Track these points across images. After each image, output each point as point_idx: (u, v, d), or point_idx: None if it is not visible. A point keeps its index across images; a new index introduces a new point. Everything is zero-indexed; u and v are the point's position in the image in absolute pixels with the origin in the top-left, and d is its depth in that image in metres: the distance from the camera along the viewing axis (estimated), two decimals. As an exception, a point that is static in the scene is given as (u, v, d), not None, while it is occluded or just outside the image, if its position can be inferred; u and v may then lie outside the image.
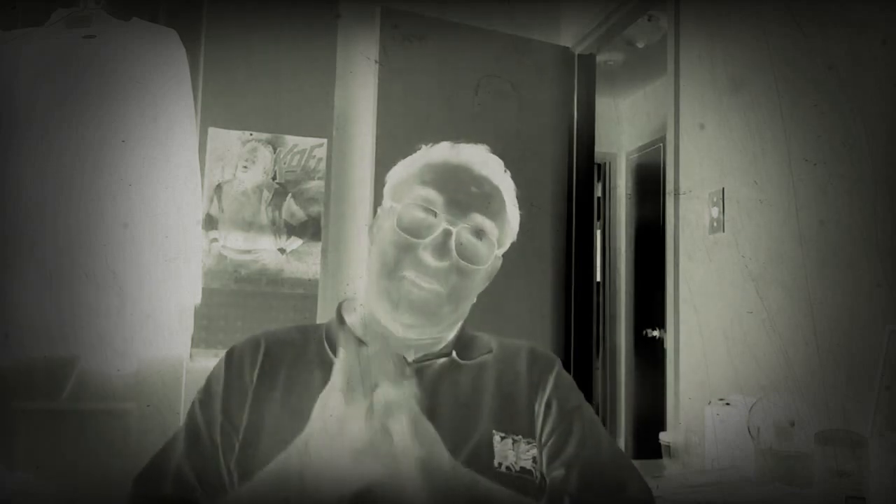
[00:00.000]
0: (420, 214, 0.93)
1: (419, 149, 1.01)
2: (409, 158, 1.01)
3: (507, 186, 1.00)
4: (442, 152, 0.99)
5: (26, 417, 1.92)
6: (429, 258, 0.91)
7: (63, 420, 1.94)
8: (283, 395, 0.91)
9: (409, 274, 0.92)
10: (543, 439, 0.93)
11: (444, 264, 0.91)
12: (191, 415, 0.92)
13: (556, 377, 0.99)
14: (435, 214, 0.93)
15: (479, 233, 0.94)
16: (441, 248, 0.91)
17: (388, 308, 0.94)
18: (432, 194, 0.94)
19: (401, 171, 1.01)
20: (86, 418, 1.97)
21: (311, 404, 0.88)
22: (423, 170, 0.97)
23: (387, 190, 1.01)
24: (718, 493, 1.38)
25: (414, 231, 0.92)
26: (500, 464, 0.88)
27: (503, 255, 1.02)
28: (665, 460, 1.89)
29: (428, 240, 0.92)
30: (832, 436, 1.32)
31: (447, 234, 0.92)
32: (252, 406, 0.90)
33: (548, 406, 0.95)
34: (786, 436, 1.48)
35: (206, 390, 0.93)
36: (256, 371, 0.93)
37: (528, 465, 0.89)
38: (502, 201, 0.98)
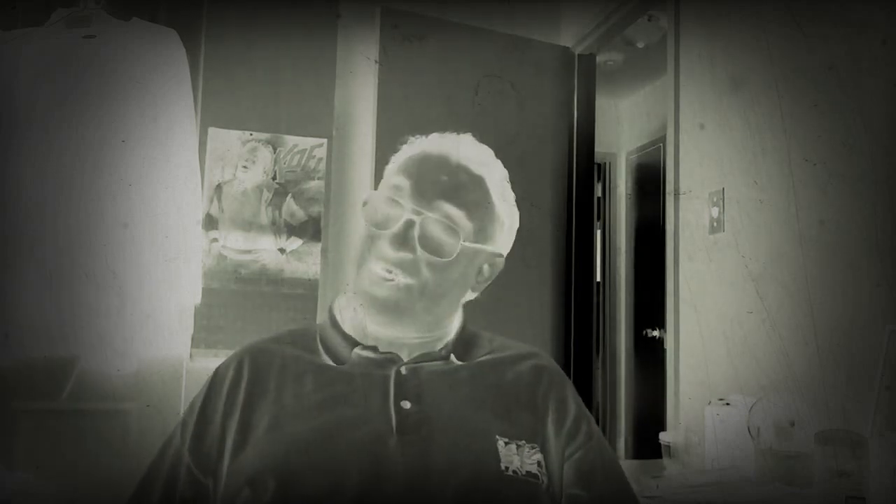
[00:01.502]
0: (386, 206, 0.90)
1: (406, 142, 0.99)
2: (398, 152, 0.99)
3: (492, 178, 0.95)
4: (423, 143, 0.96)
5: (26, 417, 1.92)
6: (387, 249, 0.88)
7: (63, 420, 1.94)
8: (273, 403, 0.88)
9: (374, 266, 0.89)
10: (567, 454, 0.91)
11: (405, 255, 0.88)
12: (167, 442, 0.91)
13: (574, 394, 0.97)
14: (401, 208, 0.89)
15: (447, 224, 0.90)
16: (401, 238, 0.88)
17: (361, 306, 0.92)
18: (401, 181, 0.91)
19: (388, 167, 0.99)
20: (86, 418, 1.97)
21: (302, 409, 0.87)
22: (403, 162, 0.95)
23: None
24: (718, 493, 1.38)
25: (380, 222, 0.90)
26: (506, 467, 0.85)
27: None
28: (665, 460, 1.89)
29: (389, 231, 0.89)
30: (832, 436, 1.32)
31: (409, 224, 0.89)
32: (241, 423, 0.87)
33: (576, 427, 0.93)
34: (786, 436, 1.48)
35: (183, 423, 0.91)
36: (242, 395, 0.89)
37: (534, 469, 0.87)
38: (483, 192, 0.94)
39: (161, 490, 0.87)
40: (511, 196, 0.98)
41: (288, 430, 0.85)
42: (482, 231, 0.94)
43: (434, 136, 0.97)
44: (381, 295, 0.89)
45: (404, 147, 0.98)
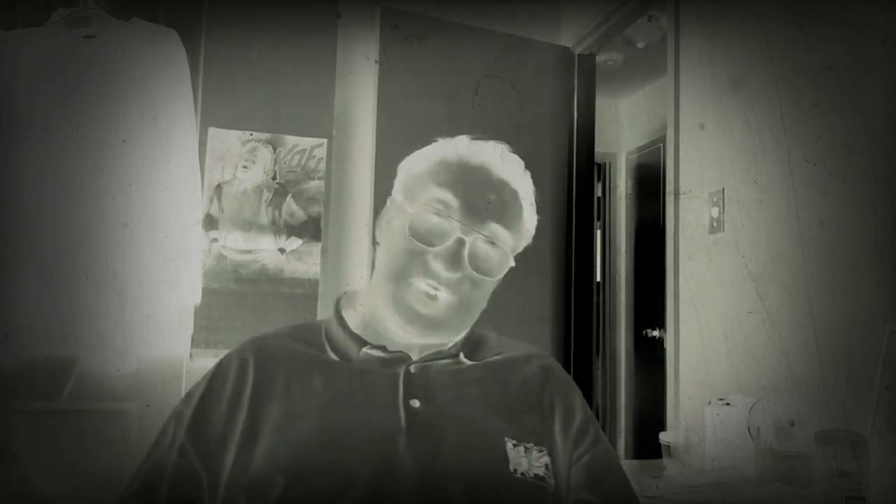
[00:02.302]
0: (434, 220, 0.89)
1: (435, 141, 0.97)
2: (424, 150, 0.97)
3: (525, 189, 0.96)
4: (459, 149, 0.94)
5: (26, 417, 1.92)
6: (440, 268, 0.87)
7: (63, 420, 1.94)
8: (281, 401, 0.88)
9: (419, 282, 0.88)
10: (575, 458, 0.91)
11: (454, 274, 0.88)
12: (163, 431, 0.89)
13: (581, 398, 0.97)
14: (450, 223, 0.88)
15: (494, 244, 0.90)
16: (453, 258, 0.87)
17: (396, 318, 0.90)
18: (449, 197, 0.89)
19: (415, 164, 0.96)
20: (86, 418, 1.96)
21: (310, 407, 0.87)
22: (438, 167, 0.93)
23: (399, 182, 0.96)
24: (718, 493, 1.38)
25: (426, 238, 0.88)
26: (515, 469, 0.85)
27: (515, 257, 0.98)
28: (665, 460, 1.89)
29: (440, 248, 0.88)
30: (832, 436, 1.32)
31: (461, 243, 0.88)
32: (247, 422, 0.86)
33: (583, 431, 0.93)
34: (786, 436, 1.48)
35: (179, 413, 0.89)
36: (248, 393, 0.88)
37: (542, 472, 0.87)
38: (520, 207, 0.94)
39: (158, 478, 0.85)
40: (534, 207, 0.98)
41: (297, 429, 0.85)
42: (516, 245, 0.95)
43: (463, 138, 0.96)
44: (426, 313, 0.89)
45: (433, 146, 0.96)
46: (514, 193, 0.94)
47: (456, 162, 0.93)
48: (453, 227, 0.88)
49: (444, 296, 0.89)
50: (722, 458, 1.60)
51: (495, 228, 0.90)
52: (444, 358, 0.93)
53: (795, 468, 1.42)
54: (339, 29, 2.60)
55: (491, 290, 0.95)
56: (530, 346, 1.02)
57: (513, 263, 0.96)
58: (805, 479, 1.39)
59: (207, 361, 0.98)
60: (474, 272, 0.89)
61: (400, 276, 0.89)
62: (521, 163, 0.97)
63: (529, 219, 0.97)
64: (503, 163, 0.94)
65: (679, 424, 2.02)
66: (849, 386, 1.48)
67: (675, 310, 2.11)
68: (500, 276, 0.92)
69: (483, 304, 0.95)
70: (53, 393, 1.92)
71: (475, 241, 0.89)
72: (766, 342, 1.72)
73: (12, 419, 1.91)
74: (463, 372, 0.94)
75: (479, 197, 0.90)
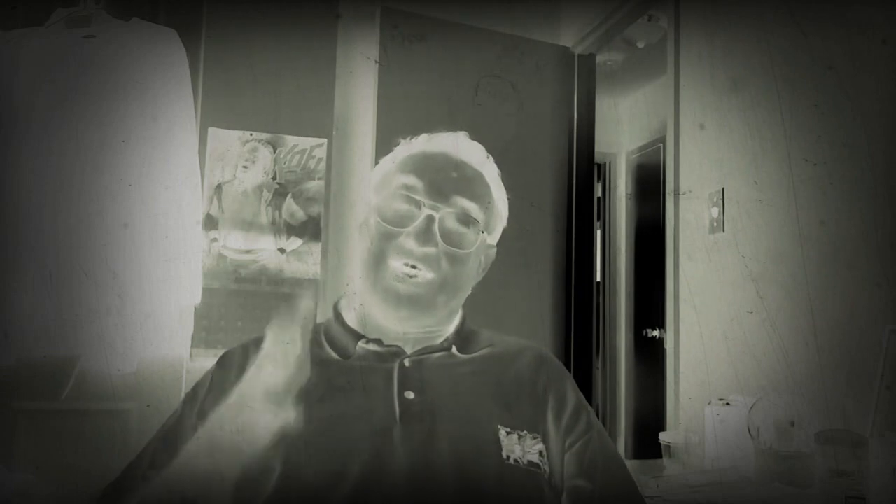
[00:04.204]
0: (402, 204, 0.92)
1: (398, 143, 1.01)
2: (389, 154, 1.01)
3: (489, 170, 0.99)
4: (420, 143, 0.99)
5: (26, 417, 1.92)
6: (413, 245, 0.90)
7: (63, 420, 1.94)
8: None
9: (395, 263, 0.91)
10: (567, 445, 0.92)
11: (429, 250, 0.90)
12: (172, 416, 0.91)
13: (573, 386, 0.98)
14: (418, 205, 0.92)
15: (464, 217, 0.93)
16: (425, 234, 0.90)
17: (380, 302, 0.93)
18: (412, 180, 0.93)
19: (383, 167, 1.01)
20: (86, 418, 1.97)
21: (306, 400, 0.88)
22: (403, 161, 0.98)
23: (372, 188, 1.01)
24: (718, 493, 1.38)
25: (396, 221, 0.92)
26: (508, 456, 0.87)
27: (498, 246, 1.01)
28: (665, 460, 1.89)
29: (410, 227, 0.91)
30: (832, 436, 1.32)
31: (430, 219, 0.91)
32: None
33: (575, 418, 0.94)
34: (786, 436, 1.48)
35: (190, 394, 0.92)
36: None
37: (536, 458, 0.88)
38: (485, 185, 0.98)
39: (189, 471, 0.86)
40: (503, 190, 1.01)
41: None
42: (487, 223, 0.97)
43: (424, 136, 1.00)
44: (406, 291, 0.91)
45: (397, 149, 1.01)
46: (478, 173, 0.98)
47: (418, 153, 0.98)
48: (421, 206, 0.92)
49: (423, 273, 0.91)
50: (722, 458, 1.60)
51: (462, 202, 0.93)
52: (436, 352, 0.95)
53: (795, 468, 1.42)
54: (339, 29, 2.60)
55: (474, 271, 0.97)
56: (522, 339, 1.03)
57: (493, 245, 0.99)
58: (805, 479, 1.39)
59: (207, 361, 0.99)
60: (448, 246, 0.92)
61: (378, 260, 0.92)
62: (482, 148, 1.00)
63: (499, 196, 1.00)
64: (462, 147, 0.98)
65: (679, 424, 2.02)
66: (849, 386, 1.48)
67: (675, 310, 2.11)
68: (474, 248, 0.94)
69: (467, 287, 0.97)
70: (53, 393, 1.92)
71: (444, 217, 0.92)
72: (766, 342, 1.72)
73: (12, 419, 1.91)
74: (457, 365, 0.96)
75: (442, 175, 0.94)
